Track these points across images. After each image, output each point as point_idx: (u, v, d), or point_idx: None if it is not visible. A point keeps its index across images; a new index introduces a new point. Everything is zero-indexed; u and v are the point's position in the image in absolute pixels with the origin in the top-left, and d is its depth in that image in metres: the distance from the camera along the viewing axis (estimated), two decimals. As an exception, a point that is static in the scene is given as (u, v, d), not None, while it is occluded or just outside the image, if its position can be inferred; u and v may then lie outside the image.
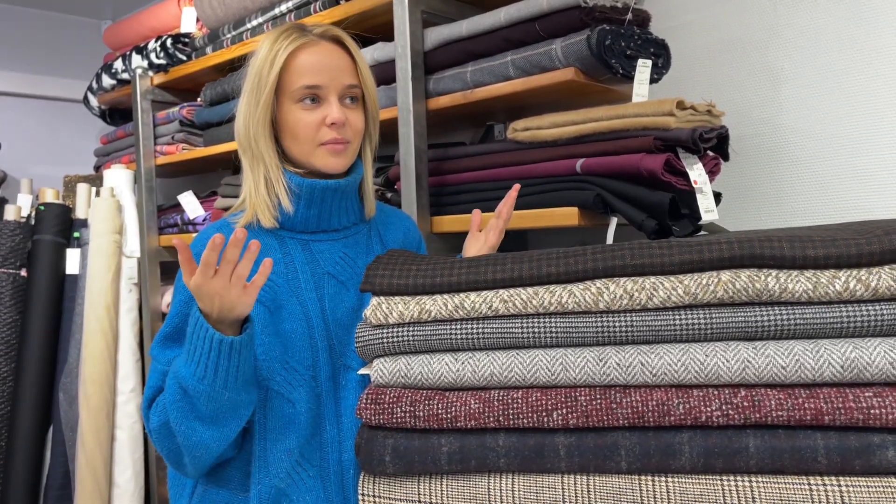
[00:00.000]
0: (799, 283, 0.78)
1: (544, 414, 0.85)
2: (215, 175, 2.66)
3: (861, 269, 0.78)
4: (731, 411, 0.78)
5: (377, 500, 0.94)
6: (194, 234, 2.18)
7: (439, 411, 0.89)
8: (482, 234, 1.25)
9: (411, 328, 0.93)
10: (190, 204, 2.22)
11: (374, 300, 0.96)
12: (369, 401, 0.94)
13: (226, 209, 2.04)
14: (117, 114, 2.75)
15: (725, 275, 0.81)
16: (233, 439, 1.01)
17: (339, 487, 1.06)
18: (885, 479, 0.74)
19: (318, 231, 1.13)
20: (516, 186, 1.23)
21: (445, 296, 0.92)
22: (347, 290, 1.12)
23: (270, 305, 1.06)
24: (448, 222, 1.49)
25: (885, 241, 0.77)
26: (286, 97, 1.07)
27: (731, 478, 0.79)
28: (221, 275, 0.89)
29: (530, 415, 0.85)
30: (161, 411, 0.99)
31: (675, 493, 0.80)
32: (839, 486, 0.75)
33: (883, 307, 0.77)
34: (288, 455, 1.03)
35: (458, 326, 0.91)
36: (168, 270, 2.42)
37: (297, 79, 1.06)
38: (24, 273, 2.33)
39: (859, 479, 0.75)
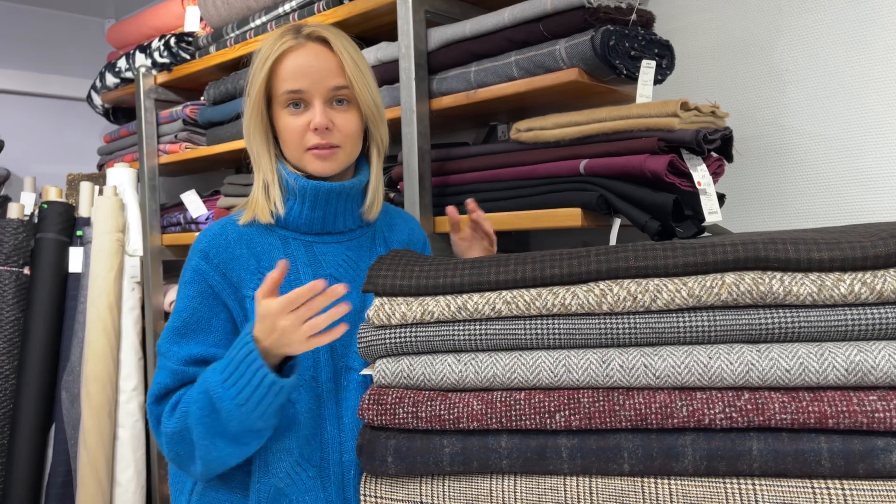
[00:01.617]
0: (803, 285, 0.78)
1: (547, 415, 0.84)
2: (218, 174, 2.66)
3: (866, 272, 0.77)
4: (734, 414, 0.78)
5: (379, 500, 0.94)
6: (197, 234, 2.19)
7: (441, 412, 0.89)
8: (471, 239, 1.25)
9: (414, 329, 0.93)
10: (193, 203, 2.22)
11: (377, 301, 0.96)
12: (371, 401, 0.94)
13: (229, 208, 2.04)
14: (121, 112, 2.75)
15: (729, 277, 0.80)
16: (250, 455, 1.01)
17: (339, 488, 1.06)
18: (889, 484, 0.74)
19: (322, 233, 1.12)
20: (469, 200, 1.23)
21: (448, 297, 0.92)
22: (350, 291, 1.11)
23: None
24: (451, 222, 1.49)
25: (891, 244, 0.77)
26: (276, 102, 1.08)
27: (734, 481, 0.78)
28: (297, 316, 0.88)
29: (533, 416, 0.85)
30: (180, 418, 0.97)
31: (677, 495, 0.80)
32: (843, 490, 0.75)
33: (888, 310, 0.76)
34: (287, 455, 1.03)
35: (461, 327, 0.91)
36: (170, 269, 2.42)
37: (281, 84, 1.06)
38: (26, 271, 2.33)
39: (863, 483, 0.75)
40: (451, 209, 1.24)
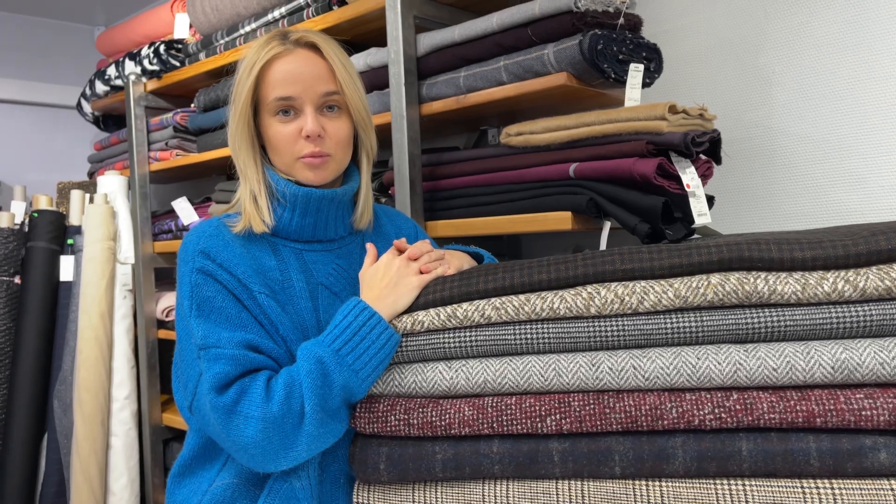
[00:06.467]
0: (787, 284, 0.79)
1: (538, 420, 0.85)
2: (209, 181, 2.65)
3: (849, 271, 0.78)
4: (723, 414, 0.79)
5: (372, 506, 0.94)
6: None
7: (433, 418, 0.89)
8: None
9: (404, 339, 0.94)
10: (184, 210, 2.21)
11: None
12: (363, 410, 0.94)
13: (220, 215, 2.03)
14: (111, 120, 2.74)
15: (715, 277, 0.81)
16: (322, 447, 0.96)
17: (330, 497, 1.05)
18: (878, 482, 0.74)
19: (312, 241, 1.11)
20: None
21: (438, 307, 0.92)
22: (341, 301, 1.10)
23: (280, 300, 1.04)
24: (442, 227, 1.50)
25: (872, 242, 0.78)
26: (265, 110, 1.06)
27: (725, 482, 0.79)
28: (416, 265, 1.00)
29: (524, 421, 0.85)
30: (285, 399, 0.90)
31: (668, 497, 0.80)
32: (832, 488, 0.75)
33: (871, 308, 0.77)
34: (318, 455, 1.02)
35: (451, 335, 0.91)
36: (162, 277, 2.41)
37: (270, 91, 1.04)
38: (17, 280, 2.32)
39: (852, 481, 0.75)
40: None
